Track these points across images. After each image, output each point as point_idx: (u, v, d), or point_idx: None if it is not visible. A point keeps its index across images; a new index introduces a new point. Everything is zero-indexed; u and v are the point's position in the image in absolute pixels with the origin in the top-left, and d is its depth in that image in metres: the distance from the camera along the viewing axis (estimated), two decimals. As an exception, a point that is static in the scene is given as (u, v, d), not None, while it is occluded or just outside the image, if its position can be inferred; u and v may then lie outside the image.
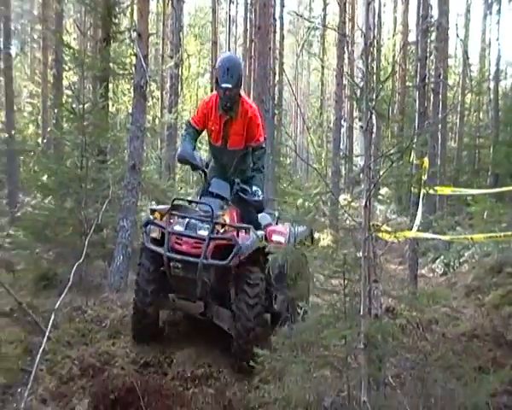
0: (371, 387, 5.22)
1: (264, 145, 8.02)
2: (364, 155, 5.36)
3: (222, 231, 7.08)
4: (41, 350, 6.66)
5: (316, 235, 16.80)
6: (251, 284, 7.04)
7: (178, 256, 6.82)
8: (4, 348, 7.22)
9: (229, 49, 37.76)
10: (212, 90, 28.73)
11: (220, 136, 7.77)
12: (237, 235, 6.95)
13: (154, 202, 18.49)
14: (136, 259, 12.04)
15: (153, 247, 7.04)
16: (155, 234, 7.53)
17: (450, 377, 7.17)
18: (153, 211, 7.59)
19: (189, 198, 7.73)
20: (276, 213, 9.39)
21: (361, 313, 5.24)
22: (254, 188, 7.61)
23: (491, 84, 29.94)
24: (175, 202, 7.27)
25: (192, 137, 7.74)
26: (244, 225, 7.21)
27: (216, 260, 6.84)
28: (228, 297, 7.37)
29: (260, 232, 7.49)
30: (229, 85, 7.21)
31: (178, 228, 7.02)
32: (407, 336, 8.41)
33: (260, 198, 7.58)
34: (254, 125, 7.70)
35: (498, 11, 29.64)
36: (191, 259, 6.75)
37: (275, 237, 7.97)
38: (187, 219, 7.08)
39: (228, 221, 7.31)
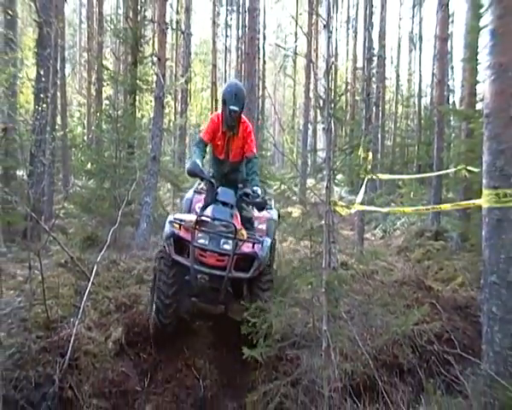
0: (330, 320, 5.22)
1: (256, 155, 7.01)
2: (326, 149, 5.33)
3: (241, 243, 5.99)
4: (87, 292, 6.64)
5: (288, 209, 16.83)
6: (264, 273, 6.14)
7: (206, 270, 5.83)
8: (61, 290, 7.20)
9: (225, 71, 37.54)
10: (212, 102, 28.52)
11: (224, 150, 6.89)
12: (253, 246, 6.03)
13: (169, 184, 18.48)
14: (155, 226, 12.14)
15: (179, 258, 5.93)
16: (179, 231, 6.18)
17: (386, 312, 7.21)
18: (175, 222, 6.10)
19: (207, 213, 6.18)
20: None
21: (323, 265, 5.22)
22: (255, 188, 6.52)
23: (416, 100, 30.21)
24: (199, 219, 5.95)
25: (201, 151, 6.64)
26: (259, 239, 6.21)
27: (237, 270, 5.92)
28: (241, 289, 6.43)
29: (267, 239, 6.37)
30: (237, 108, 6.39)
31: (203, 241, 5.90)
32: (356, 282, 8.43)
33: (261, 197, 6.47)
34: (250, 140, 6.83)
35: (420, 48, 31.07)
36: (218, 272, 5.82)
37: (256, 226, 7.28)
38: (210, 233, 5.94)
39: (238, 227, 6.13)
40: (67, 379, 5.56)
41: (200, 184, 7.76)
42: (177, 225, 6.03)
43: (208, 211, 6.28)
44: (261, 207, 6.60)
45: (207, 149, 6.99)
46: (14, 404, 5.13)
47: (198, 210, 6.99)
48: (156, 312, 6.18)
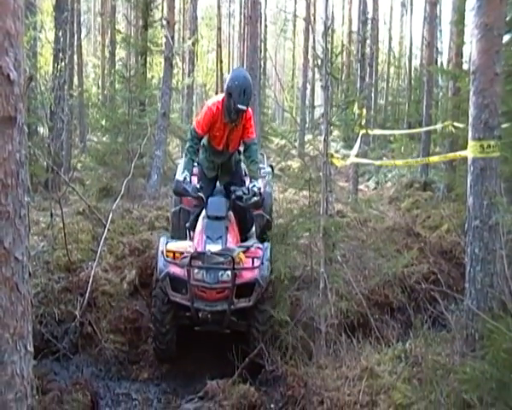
0: (327, 263, 5.23)
1: (256, 141, 5.96)
2: (324, 105, 5.28)
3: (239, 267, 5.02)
4: (103, 237, 6.66)
5: (288, 162, 16.79)
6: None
7: (207, 307, 4.96)
8: (80, 235, 7.24)
9: (229, 34, 37.06)
10: (217, 63, 28.17)
11: (223, 141, 5.78)
12: (252, 263, 5.11)
13: (177, 139, 18.39)
14: (165, 178, 12.16)
15: (177, 299, 5.01)
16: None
17: (378, 256, 7.27)
18: (169, 255, 5.16)
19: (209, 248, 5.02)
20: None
21: (321, 213, 5.22)
22: (251, 184, 5.57)
23: (407, 61, 29.90)
24: (194, 254, 4.95)
25: (194, 150, 5.66)
26: (259, 252, 5.23)
27: (238, 297, 5.02)
28: (244, 314, 5.27)
29: (267, 247, 5.37)
30: (245, 108, 5.36)
31: (200, 277, 4.94)
32: (351, 229, 8.46)
33: (257, 196, 5.53)
34: (249, 125, 5.71)
35: (411, 12, 30.41)
36: (219, 308, 4.97)
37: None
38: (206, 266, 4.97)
39: (234, 241, 5.34)
40: (87, 316, 5.67)
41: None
42: (172, 263, 5.05)
43: (199, 228, 5.43)
44: (257, 206, 5.84)
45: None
46: (40, 337, 5.22)
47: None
48: (154, 339, 5.41)
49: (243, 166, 6.12)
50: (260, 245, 5.42)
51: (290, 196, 10.78)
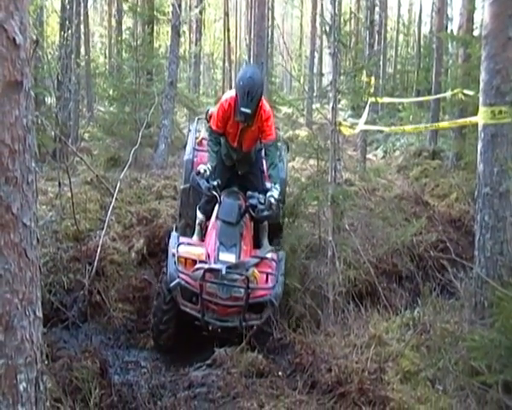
0: (335, 231, 5.21)
1: (275, 142, 5.51)
2: (332, 72, 5.20)
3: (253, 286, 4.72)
4: (111, 207, 6.64)
5: (296, 131, 16.69)
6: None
7: (218, 322, 4.76)
8: (88, 205, 7.25)
9: (236, 2, 36.56)
10: (225, 32, 27.88)
11: (236, 139, 5.44)
12: (266, 279, 4.84)
13: (185, 108, 18.29)
14: (172, 147, 12.16)
15: (188, 309, 4.78)
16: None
17: (386, 224, 7.24)
18: (180, 264, 4.83)
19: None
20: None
21: (329, 181, 5.18)
22: (269, 194, 5.12)
23: (416, 29, 29.50)
24: (208, 267, 4.64)
25: (215, 144, 5.45)
26: (272, 271, 4.92)
27: (249, 311, 4.77)
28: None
29: (282, 254, 5.18)
30: (249, 111, 4.95)
31: (213, 291, 4.71)
32: (359, 198, 8.42)
33: (271, 211, 5.12)
34: (267, 126, 5.29)
35: None
36: (230, 324, 4.78)
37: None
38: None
39: (248, 248, 5.12)
40: (95, 285, 5.69)
41: (197, 123, 6.59)
42: (184, 273, 4.74)
43: (212, 229, 5.20)
44: (269, 219, 5.46)
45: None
46: (49, 306, 5.26)
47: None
48: (152, 338, 5.29)
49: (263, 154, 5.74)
50: (275, 256, 5.12)
51: (298, 165, 10.73)
